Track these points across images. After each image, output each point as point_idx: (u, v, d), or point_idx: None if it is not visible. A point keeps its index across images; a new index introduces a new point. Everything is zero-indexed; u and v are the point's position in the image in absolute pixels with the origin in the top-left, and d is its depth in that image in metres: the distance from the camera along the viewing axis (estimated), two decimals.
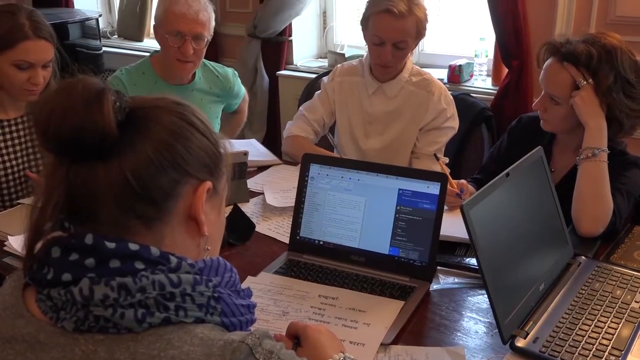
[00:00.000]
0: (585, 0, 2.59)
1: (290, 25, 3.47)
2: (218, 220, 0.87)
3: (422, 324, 1.27)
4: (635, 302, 1.27)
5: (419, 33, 1.99)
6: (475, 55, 3.07)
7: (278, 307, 1.29)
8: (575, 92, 1.61)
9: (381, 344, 1.18)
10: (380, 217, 1.43)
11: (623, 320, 1.21)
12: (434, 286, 1.39)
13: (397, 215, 1.42)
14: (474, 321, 1.27)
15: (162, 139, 0.77)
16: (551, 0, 2.65)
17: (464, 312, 1.31)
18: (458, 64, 2.99)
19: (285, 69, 3.56)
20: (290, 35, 3.51)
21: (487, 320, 1.26)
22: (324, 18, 3.64)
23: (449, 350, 1.16)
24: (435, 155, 1.91)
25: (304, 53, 3.63)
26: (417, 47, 2.09)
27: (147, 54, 2.26)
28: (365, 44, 2.06)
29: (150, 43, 4.21)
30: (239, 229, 1.59)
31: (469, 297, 1.36)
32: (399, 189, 1.43)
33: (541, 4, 2.68)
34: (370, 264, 1.43)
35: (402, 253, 1.41)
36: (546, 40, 1.72)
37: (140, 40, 4.30)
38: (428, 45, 3.31)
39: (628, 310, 1.24)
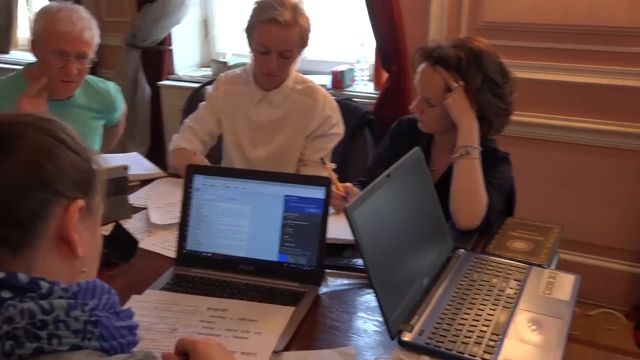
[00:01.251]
0: (455, 7, 2.73)
1: (170, 34, 3.39)
2: (93, 240, 0.83)
3: (313, 328, 1.28)
4: (510, 288, 1.35)
5: (304, 42, 2.01)
6: (357, 61, 3.15)
7: (166, 324, 1.25)
8: (447, 94, 1.69)
9: (273, 352, 1.17)
10: (268, 224, 1.43)
11: (500, 306, 1.29)
12: (324, 289, 1.40)
13: (284, 222, 1.42)
14: (364, 320, 1.30)
15: (29, 157, 0.72)
16: (424, 8, 2.77)
17: (354, 313, 1.33)
18: (340, 70, 3.05)
19: (167, 79, 3.48)
20: (170, 44, 3.43)
21: (376, 318, 1.29)
22: (205, 26, 3.59)
23: (340, 351, 1.18)
24: (322, 161, 1.93)
25: (186, 62, 3.57)
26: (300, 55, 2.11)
27: (18, 67, 2.12)
28: (249, 52, 2.05)
29: (19, 55, 3.97)
30: (122, 246, 1.53)
31: (358, 297, 1.38)
32: (285, 195, 1.43)
33: (415, 12, 2.80)
34: (260, 272, 1.42)
35: (290, 259, 1.41)
36: (418, 46, 1.80)
37: (6, 52, 4.04)
38: (311, 52, 3.36)
39: (504, 297, 1.32)
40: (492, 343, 1.17)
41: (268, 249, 1.42)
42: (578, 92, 2.59)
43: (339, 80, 3.04)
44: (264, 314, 1.28)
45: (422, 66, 1.75)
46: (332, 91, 2.96)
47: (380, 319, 1.24)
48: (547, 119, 2.65)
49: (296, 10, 1.95)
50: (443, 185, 1.69)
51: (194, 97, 2.51)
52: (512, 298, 1.32)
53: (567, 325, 1.25)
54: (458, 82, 1.68)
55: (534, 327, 1.24)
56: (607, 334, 2.56)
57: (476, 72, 1.68)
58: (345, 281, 1.44)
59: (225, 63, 3.30)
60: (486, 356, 1.13)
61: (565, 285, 1.39)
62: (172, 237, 1.60)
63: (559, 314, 1.28)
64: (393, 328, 1.18)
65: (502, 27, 2.64)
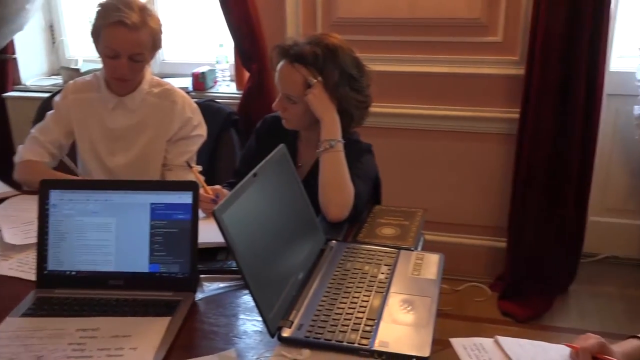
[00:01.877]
0: (310, 4, 2.79)
1: (12, 41, 3.15)
2: None
3: (192, 335, 1.25)
4: (381, 273, 1.40)
5: (155, 44, 1.94)
6: (217, 62, 3.12)
7: (31, 352, 1.16)
8: (307, 90, 1.72)
9: None
10: (135, 235, 1.37)
11: (373, 292, 1.33)
12: (200, 295, 1.37)
13: (153, 231, 1.37)
14: (243, 321, 1.29)
15: None
16: (280, 5, 2.80)
17: (232, 315, 1.32)
18: (201, 71, 3.01)
19: (13, 90, 3.23)
20: (14, 53, 3.19)
21: (255, 318, 1.28)
22: (52, 32, 3.38)
23: (221, 355, 1.16)
24: (187, 164, 1.89)
25: (33, 71, 3.34)
26: (155, 57, 2.05)
27: None
28: (99, 57, 1.95)
29: None
30: None
31: (235, 300, 1.37)
32: (151, 204, 1.38)
33: (271, 10, 2.82)
34: (131, 285, 1.36)
35: (162, 268, 1.37)
36: (275, 44, 1.81)
37: None
38: (169, 54, 3.28)
39: (376, 282, 1.37)
40: (368, 328, 1.21)
41: (138, 261, 1.37)
42: (430, 81, 2.75)
43: (201, 82, 2.99)
44: (139, 328, 1.23)
45: (280, 64, 1.77)
46: (194, 93, 2.91)
47: (259, 319, 1.23)
48: (405, 109, 2.79)
49: (144, 11, 1.88)
50: (311, 180, 1.72)
51: (44, 107, 2.34)
52: (384, 282, 1.37)
53: (435, 303, 1.31)
54: (317, 77, 1.71)
55: (406, 308, 1.29)
56: (475, 306, 2.74)
57: (333, 68, 1.72)
58: (221, 284, 1.42)
59: (77, 70, 3.12)
60: (363, 341, 1.17)
61: (432, 265, 1.46)
62: (31, 258, 1.49)
63: (428, 292, 1.35)
64: (272, 326, 1.18)
65: (355, 22, 2.74)
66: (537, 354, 1.28)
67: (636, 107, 2.66)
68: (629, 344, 1.29)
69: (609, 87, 2.58)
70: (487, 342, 1.29)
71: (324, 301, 1.29)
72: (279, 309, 1.22)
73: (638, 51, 2.60)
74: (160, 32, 1.94)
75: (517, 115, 2.63)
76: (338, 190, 1.67)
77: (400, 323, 1.24)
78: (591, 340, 1.23)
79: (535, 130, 2.54)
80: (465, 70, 2.69)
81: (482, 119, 2.72)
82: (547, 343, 1.31)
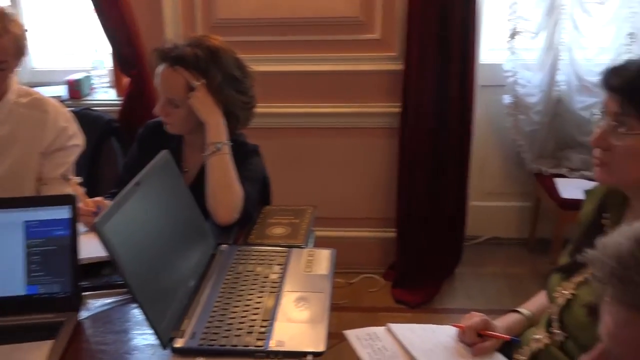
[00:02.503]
0: (188, 5, 2.73)
1: None
2: None
3: (78, 357, 1.19)
4: (274, 273, 1.41)
5: (19, 51, 1.82)
6: (93, 68, 2.98)
7: None
8: (190, 94, 1.68)
9: None
10: (8, 256, 1.29)
11: (267, 292, 1.33)
12: (85, 314, 1.31)
13: (29, 250, 1.29)
14: (133, 336, 1.25)
15: None
16: (156, 8, 2.72)
17: (121, 331, 1.27)
18: (76, 78, 2.86)
19: None
20: None
21: (146, 331, 1.24)
22: None
23: None
24: (64, 176, 1.79)
25: None
26: (22, 65, 1.91)
27: None
28: None
29: None
30: None
31: (124, 314, 1.32)
32: (25, 222, 1.30)
33: (147, 13, 2.74)
34: (6, 311, 1.27)
35: (42, 289, 1.29)
36: (154, 48, 1.76)
37: None
38: (39, 61, 3.09)
39: (269, 283, 1.37)
40: (263, 329, 1.20)
41: (13, 284, 1.28)
42: (312, 79, 2.79)
43: (76, 89, 2.85)
44: (18, 355, 1.15)
45: (161, 67, 1.72)
46: (70, 102, 2.77)
47: (150, 331, 1.19)
48: (290, 108, 2.81)
49: (5, 17, 1.76)
50: (199, 185, 1.68)
51: None
52: (277, 282, 1.37)
53: (329, 297, 1.34)
54: (199, 80, 1.68)
55: (300, 306, 1.30)
56: (370, 297, 2.81)
57: (216, 70, 1.70)
58: (108, 300, 1.36)
59: None
60: (259, 343, 1.17)
61: (323, 260, 1.48)
62: None
63: (321, 288, 1.37)
64: (164, 337, 1.15)
65: (235, 23, 2.72)
66: (427, 337, 1.33)
67: (505, 96, 2.84)
68: (510, 318, 1.38)
69: (480, 78, 2.74)
70: (379, 330, 1.33)
71: (216, 307, 1.28)
72: (170, 319, 1.19)
73: (505, 44, 2.78)
74: (24, 38, 1.82)
75: (398, 109, 2.72)
76: (226, 192, 1.65)
77: (295, 321, 1.25)
78: (475, 318, 1.30)
79: (416, 123, 2.65)
80: (347, 67, 2.75)
81: (366, 114, 2.80)
82: (436, 325, 1.38)
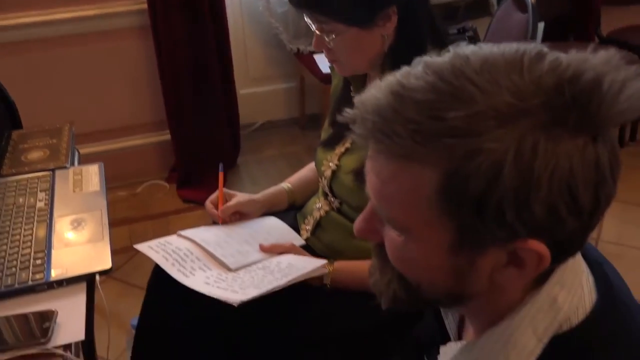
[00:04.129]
0: None
1: None
2: None
3: None
4: (39, 201, 1.29)
5: None
6: None
7: None
8: None
9: None
10: None
11: (35, 222, 1.22)
12: None
13: None
14: None
15: None
16: None
17: None
18: None
19: None
20: None
21: None
22: None
23: None
24: None
25: None
26: None
27: None
28: None
29: None
30: None
31: None
32: None
33: None
34: None
35: None
36: None
37: None
38: None
39: (36, 212, 1.26)
40: (39, 262, 1.12)
41: None
42: None
43: None
44: None
45: None
46: None
47: None
48: (24, 17, 2.47)
49: None
50: None
51: None
52: (45, 210, 1.27)
53: (105, 213, 1.27)
54: None
55: (76, 228, 1.23)
56: (158, 203, 2.76)
57: None
58: None
59: None
60: (37, 276, 1.08)
61: (93, 176, 1.40)
62: None
63: (95, 205, 1.30)
64: None
65: None
66: (219, 229, 1.36)
67: None
68: (271, 190, 1.49)
69: None
70: (171, 238, 1.32)
71: None
72: None
73: None
74: None
75: (145, 6, 2.55)
76: None
77: (74, 244, 1.18)
78: (233, 198, 1.38)
79: (166, 18, 2.52)
80: None
81: (110, 15, 2.57)
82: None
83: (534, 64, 0.53)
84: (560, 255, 0.57)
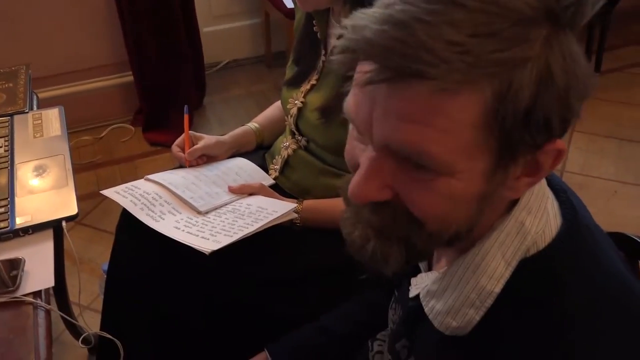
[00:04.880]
0: None
1: None
2: None
3: None
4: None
5: None
6: None
7: None
8: None
9: None
10: None
11: None
12: None
13: None
14: None
15: None
16: None
17: None
18: None
19: None
20: None
21: None
22: None
23: None
24: None
25: None
26: None
27: None
28: None
29: None
30: None
31: None
32: None
33: None
34: None
35: None
36: None
37: None
38: None
39: None
40: (2, 210, 1.10)
41: None
42: None
43: None
44: None
45: None
46: None
47: None
48: None
49: None
50: None
51: None
52: (5, 156, 1.24)
53: (68, 158, 1.25)
54: None
55: (39, 174, 1.20)
56: (124, 147, 2.71)
57: None
58: None
59: None
60: (2, 225, 1.07)
61: (53, 121, 1.36)
62: None
63: (58, 150, 1.26)
64: None
65: None
66: (187, 172, 1.34)
67: None
68: (238, 130, 1.47)
69: None
70: (138, 182, 1.30)
71: None
72: None
73: None
74: None
75: None
76: None
77: (38, 191, 1.16)
78: (200, 141, 1.36)
79: None
80: None
81: None
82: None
83: None
84: None
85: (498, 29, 0.49)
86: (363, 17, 0.53)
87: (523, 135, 0.53)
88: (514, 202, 0.62)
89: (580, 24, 0.53)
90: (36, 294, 0.96)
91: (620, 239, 0.91)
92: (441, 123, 0.51)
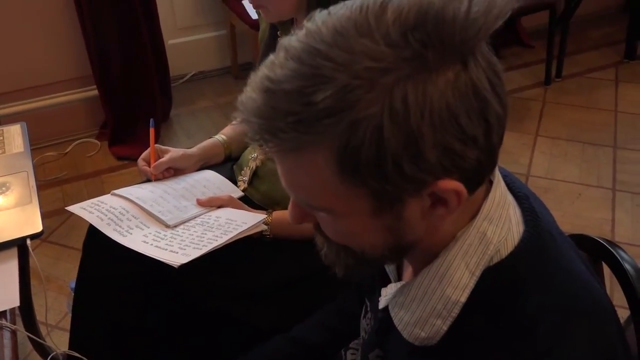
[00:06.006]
0: None
1: None
2: None
3: None
4: None
5: None
6: None
7: None
8: None
9: None
10: None
11: None
12: None
13: None
14: None
15: None
16: None
17: None
18: None
19: None
20: None
21: None
22: None
23: None
24: None
25: None
26: None
27: None
28: None
29: None
30: None
31: None
32: None
33: None
34: None
35: None
36: None
37: None
38: None
39: None
40: None
41: None
42: None
43: None
44: None
45: None
46: None
47: None
48: None
49: None
50: None
51: None
52: None
53: (32, 175, 1.23)
54: None
55: (2, 192, 1.18)
56: (90, 162, 2.67)
57: None
58: None
59: None
60: None
61: (16, 137, 1.34)
62: None
63: (20, 167, 1.24)
64: None
65: None
66: (155, 186, 1.33)
67: None
68: (206, 143, 1.47)
69: None
70: (104, 197, 1.28)
71: None
72: None
73: None
74: None
75: None
76: None
77: (1, 209, 1.15)
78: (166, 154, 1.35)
79: None
80: None
81: None
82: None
83: (379, 18, 0.52)
84: (475, 182, 0.59)
85: (322, 97, 0.51)
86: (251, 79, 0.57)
87: (384, 184, 0.54)
88: (476, 211, 0.63)
89: (459, 55, 0.52)
90: (1, 314, 0.94)
91: (583, 240, 0.94)
92: (303, 177, 0.57)
